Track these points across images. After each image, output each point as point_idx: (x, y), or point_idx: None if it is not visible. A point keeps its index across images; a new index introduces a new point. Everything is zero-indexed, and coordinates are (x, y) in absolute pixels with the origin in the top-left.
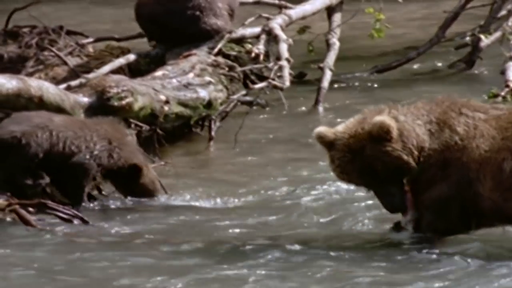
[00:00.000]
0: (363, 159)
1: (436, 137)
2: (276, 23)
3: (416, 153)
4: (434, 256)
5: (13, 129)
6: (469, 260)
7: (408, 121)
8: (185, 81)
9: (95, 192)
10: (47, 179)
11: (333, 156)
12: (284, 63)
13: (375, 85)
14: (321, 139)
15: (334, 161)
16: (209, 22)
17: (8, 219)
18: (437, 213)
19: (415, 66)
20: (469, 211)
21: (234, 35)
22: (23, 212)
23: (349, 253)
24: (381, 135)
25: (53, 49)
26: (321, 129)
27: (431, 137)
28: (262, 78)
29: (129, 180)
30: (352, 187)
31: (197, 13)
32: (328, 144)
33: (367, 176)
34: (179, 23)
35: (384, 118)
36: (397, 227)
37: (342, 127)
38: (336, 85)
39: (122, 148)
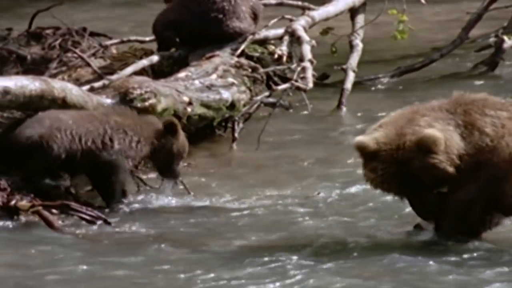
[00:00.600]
0: (409, 171)
1: (468, 141)
2: (299, 25)
3: (458, 162)
4: (455, 258)
5: (30, 133)
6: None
7: (444, 129)
8: (208, 82)
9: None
10: (67, 181)
11: (376, 167)
12: (307, 64)
13: (398, 87)
14: (364, 149)
15: (376, 172)
16: (232, 25)
17: (23, 218)
18: (460, 215)
19: (438, 68)
20: (492, 210)
21: (257, 37)
22: (46, 213)
23: (371, 254)
24: (431, 148)
25: (76, 50)
26: (363, 139)
27: (464, 142)
28: (285, 79)
29: (167, 143)
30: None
31: (220, 16)
32: (370, 154)
33: (408, 186)
34: (202, 25)
35: (435, 131)
36: (419, 227)
37: (383, 137)
38: (359, 87)
39: (139, 132)
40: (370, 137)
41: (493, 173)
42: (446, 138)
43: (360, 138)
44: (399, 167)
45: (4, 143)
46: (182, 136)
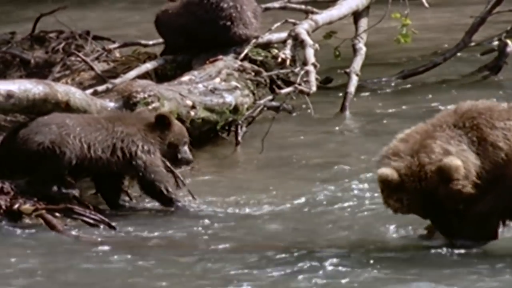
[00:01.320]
0: (435, 199)
1: (484, 157)
2: (303, 28)
3: (478, 181)
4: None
5: (40, 139)
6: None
7: (459, 151)
8: (212, 86)
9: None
10: (76, 190)
11: (401, 198)
12: (310, 68)
13: (402, 90)
14: (389, 182)
15: (401, 202)
16: (239, 32)
17: (26, 222)
18: (478, 227)
19: (442, 71)
20: (506, 220)
21: (260, 40)
22: (49, 217)
23: (378, 259)
24: (453, 177)
25: (80, 54)
26: (387, 172)
27: (480, 159)
28: (288, 83)
29: (164, 134)
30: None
31: (228, 23)
32: (395, 186)
33: (433, 212)
34: (210, 32)
35: (453, 160)
36: (429, 232)
37: (404, 168)
38: (362, 90)
39: (146, 129)
40: (393, 170)
41: (509, 184)
42: (464, 162)
43: (384, 171)
44: (425, 196)
45: (10, 148)
46: (177, 125)
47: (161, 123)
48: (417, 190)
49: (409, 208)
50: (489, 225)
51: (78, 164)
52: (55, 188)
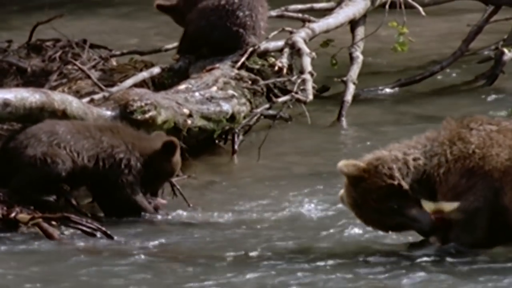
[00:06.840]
0: (367, 205)
1: (443, 152)
2: (300, 37)
3: (404, 170)
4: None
5: (31, 153)
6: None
7: (386, 150)
8: (208, 94)
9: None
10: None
11: (357, 214)
12: (307, 76)
13: (398, 99)
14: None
15: (361, 218)
16: (248, 40)
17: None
18: (463, 226)
19: (438, 80)
20: (496, 225)
21: (257, 49)
22: (46, 225)
23: (367, 269)
24: (348, 179)
25: (77, 62)
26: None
27: (431, 156)
28: (285, 91)
29: (162, 161)
30: None
31: (241, 30)
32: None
33: (384, 216)
34: (220, 38)
35: (341, 162)
36: (420, 243)
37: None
38: (359, 99)
39: (137, 146)
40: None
41: (490, 183)
42: (378, 158)
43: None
44: (361, 208)
45: (2, 161)
46: (176, 157)
47: (167, 149)
48: (350, 205)
49: (369, 222)
50: (477, 224)
51: (71, 173)
52: (46, 196)
